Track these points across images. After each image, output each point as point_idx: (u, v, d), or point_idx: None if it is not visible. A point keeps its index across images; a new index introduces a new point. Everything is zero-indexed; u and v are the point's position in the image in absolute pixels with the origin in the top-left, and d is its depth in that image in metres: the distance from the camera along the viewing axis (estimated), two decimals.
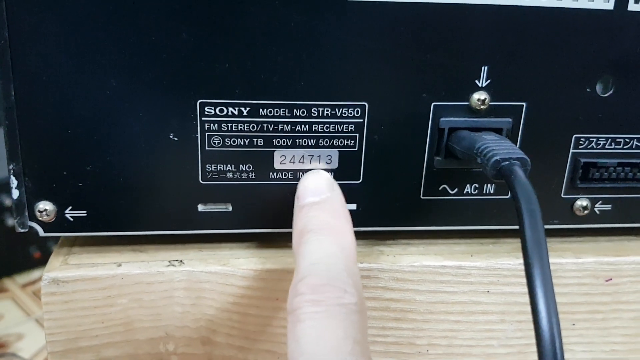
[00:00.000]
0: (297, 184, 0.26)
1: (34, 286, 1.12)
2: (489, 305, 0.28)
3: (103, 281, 0.25)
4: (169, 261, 0.26)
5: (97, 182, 0.25)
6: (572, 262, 0.27)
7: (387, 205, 0.27)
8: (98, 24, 0.23)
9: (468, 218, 0.28)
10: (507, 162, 0.21)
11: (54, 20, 0.22)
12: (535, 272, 0.18)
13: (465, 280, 0.27)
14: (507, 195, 0.28)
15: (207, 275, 0.26)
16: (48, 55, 0.23)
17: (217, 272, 0.26)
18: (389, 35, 0.24)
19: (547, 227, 0.28)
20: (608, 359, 0.29)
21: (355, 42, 0.24)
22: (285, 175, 0.26)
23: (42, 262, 1.12)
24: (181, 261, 0.26)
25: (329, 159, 0.26)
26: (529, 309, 0.18)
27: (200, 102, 0.24)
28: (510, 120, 0.26)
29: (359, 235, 0.28)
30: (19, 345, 0.97)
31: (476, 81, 0.26)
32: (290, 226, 0.25)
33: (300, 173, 0.26)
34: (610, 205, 0.28)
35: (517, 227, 0.20)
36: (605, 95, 0.26)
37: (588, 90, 0.26)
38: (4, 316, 1.04)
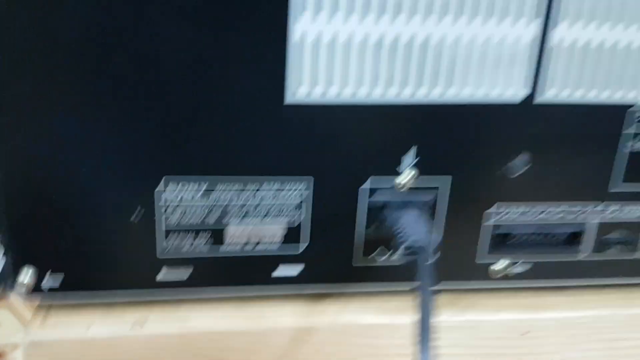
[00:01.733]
0: (248, 253, 0.30)
1: None
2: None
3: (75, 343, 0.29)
4: (132, 324, 0.30)
5: (72, 252, 0.29)
6: (489, 319, 0.31)
7: (328, 269, 0.31)
8: (74, 117, 0.26)
9: (399, 279, 0.31)
10: (415, 249, 0.25)
11: (30, 111, 0.26)
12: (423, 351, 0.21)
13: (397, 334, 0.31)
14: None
15: (167, 337, 0.29)
16: (27, 143, 0.26)
17: (176, 333, 0.30)
18: (326, 128, 0.28)
19: (468, 287, 0.32)
20: None
21: (296, 135, 0.28)
22: (237, 246, 0.30)
23: None
24: (144, 323, 0.30)
25: (278, 228, 0.29)
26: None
27: (165, 178, 0.28)
28: (435, 194, 0.30)
29: (303, 296, 0.32)
30: (15, 355, 1.01)
31: (406, 159, 0.29)
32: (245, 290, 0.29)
33: (252, 242, 0.30)
34: (525, 267, 0.32)
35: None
36: (519, 173, 0.30)
37: (504, 168, 0.30)
38: (1, 325, 1.08)
